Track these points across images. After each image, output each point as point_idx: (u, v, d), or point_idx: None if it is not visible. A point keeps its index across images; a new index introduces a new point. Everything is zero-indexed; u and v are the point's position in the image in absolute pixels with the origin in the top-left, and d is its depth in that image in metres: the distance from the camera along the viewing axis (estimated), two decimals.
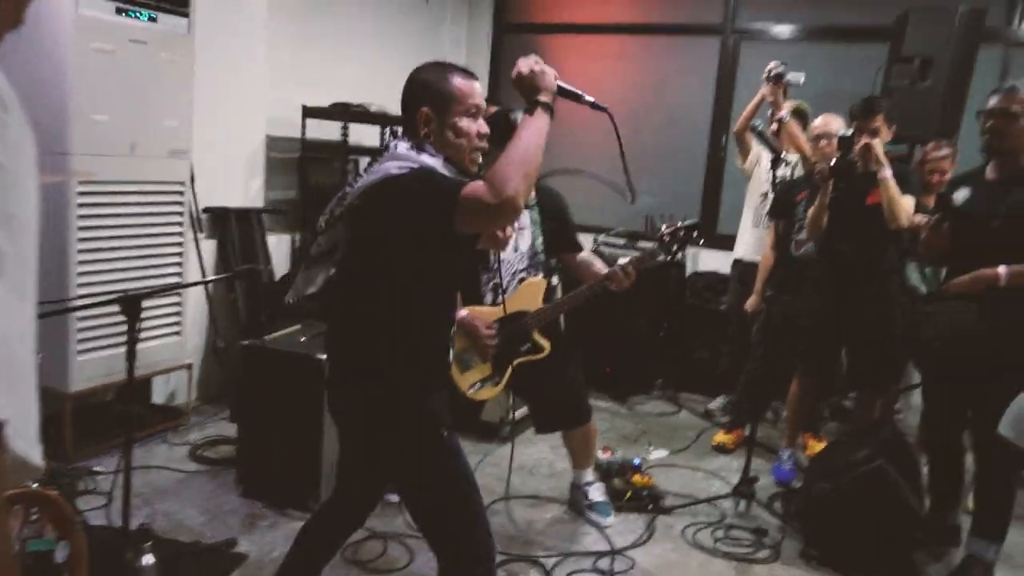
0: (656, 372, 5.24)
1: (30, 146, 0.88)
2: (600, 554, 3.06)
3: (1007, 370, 2.72)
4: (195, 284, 3.59)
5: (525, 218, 3.11)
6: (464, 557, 1.98)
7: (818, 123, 3.73)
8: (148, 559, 2.45)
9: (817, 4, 5.45)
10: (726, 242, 4.94)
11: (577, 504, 3.39)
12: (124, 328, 2.42)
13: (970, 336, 2.85)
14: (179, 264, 3.73)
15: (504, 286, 3.02)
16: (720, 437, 4.28)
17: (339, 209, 1.97)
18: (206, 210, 4.16)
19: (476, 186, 1.72)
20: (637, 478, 3.60)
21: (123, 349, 2.45)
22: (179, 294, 3.76)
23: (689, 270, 5.46)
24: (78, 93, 3.19)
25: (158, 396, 4.08)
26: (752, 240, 4.50)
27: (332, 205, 2.02)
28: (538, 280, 3.09)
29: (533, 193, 3.16)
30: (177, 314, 3.78)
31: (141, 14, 3.37)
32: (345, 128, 4.61)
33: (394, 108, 4.98)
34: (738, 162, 4.63)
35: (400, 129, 2.08)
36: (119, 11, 3.29)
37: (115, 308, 2.47)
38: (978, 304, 2.81)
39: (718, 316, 4.94)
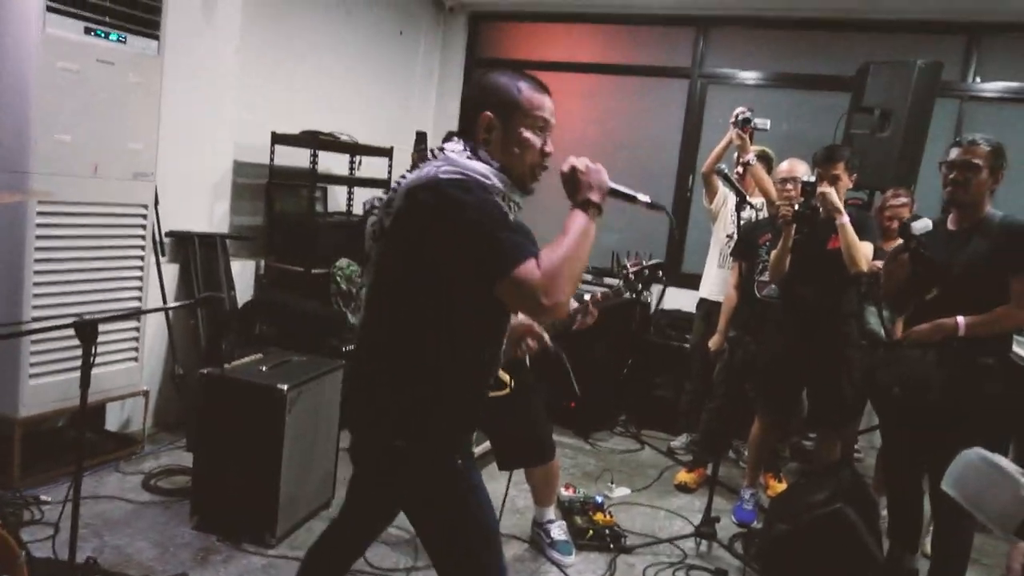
0: (619, 409, 5.24)
1: None
2: None
3: (964, 419, 2.76)
4: (154, 311, 3.51)
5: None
6: None
7: (783, 167, 3.80)
8: None
9: (782, 52, 5.60)
10: (691, 280, 5.00)
11: (538, 542, 3.36)
12: (79, 352, 2.35)
13: (928, 384, 2.88)
14: (139, 288, 3.66)
15: None
16: (682, 476, 4.28)
17: (387, 218, 1.78)
18: (169, 234, 4.08)
19: (533, 274, 1.59)
20: (599, 516, 3.57)
21: (77, 374, 2.37)
22: (137, 319, 3.67)
23: (654, 307, 5.50)
24: (41, 112, 3.13)
25: (112, 423, 3.97)
26: (717, 280, 4.56)
27: (380, 213, 1.84)
28: None
29: None
30: (135, 339, 3.70)
31: (110, 34, 3.33)
32: (314, 156, 4.59)
33: (364, 137, 5.04)
34: (705, 202, 4.69)
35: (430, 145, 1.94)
36: (87, 31, 3.24)
37: (70, 332, 2.40)
38: (936, 352, 2.85)
39: (682, 354, 4.98)
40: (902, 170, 4.31)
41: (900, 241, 2.94)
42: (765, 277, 3.93)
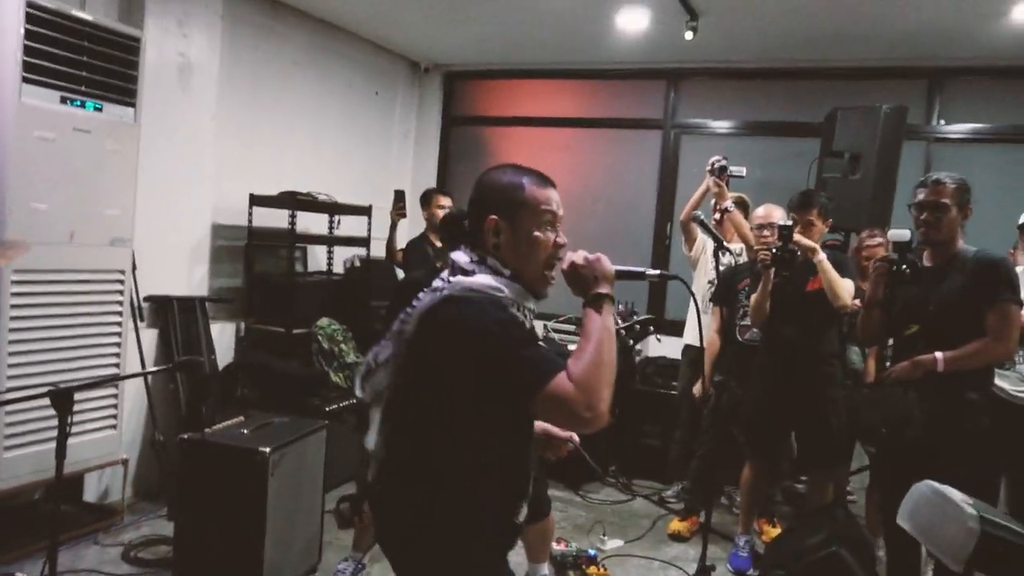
0: (609, 459, 5.18)
1: None
2: None
3: (949, 456, 2.75)
4: (131, 376, 3.46)
5: None
6: None
7: (759, 213, 3.85)
8: None
9: (752, 101, 5.73)
10: (675, 328, 5.01)
11: None
12: (54, 423, 2.31)
13: (911, 422, 2.88)
14: (117, 354, 3.61)
15: None
16: (675, 525, 4.22)
17: (402, 345, 1.70)
18: (148, 298, 4.06)
19: (566, 387, 1.51)
20: (593, 570, 3.51)
21: (53, 444, 2.32)
22: (116, 386, 3.62)
23: (639, 356, 5.50)
24: (17, 181, 3.12)
25: (90, 494, 3.88)
26: (700, 326, 4.56)
27: (392, 340, 1.75)
28: None
29: None
30: (113, 407, 3.64)
31: (86, 103, 3.36)
32: (293, 216, 4.60)
33: (342, 196, 5.07)
34: (684, 250, 4.73)
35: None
36: (64, 100, 3.26)
37: (45, 402, 2.35)
38: (916, 390, 2.85)
39: (669, 401, 4.95)
40: (875, 211, 4.38)
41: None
42: (746, 321, 3.95)
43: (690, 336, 4.67)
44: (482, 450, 1.68)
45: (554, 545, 3.64)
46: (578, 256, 1.69)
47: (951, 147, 5.28)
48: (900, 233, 2.99)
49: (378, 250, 5.11)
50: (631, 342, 2.92)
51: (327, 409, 4.22)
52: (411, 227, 5.19)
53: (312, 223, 5.15)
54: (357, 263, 5.28)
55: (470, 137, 6.52)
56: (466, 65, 6.40)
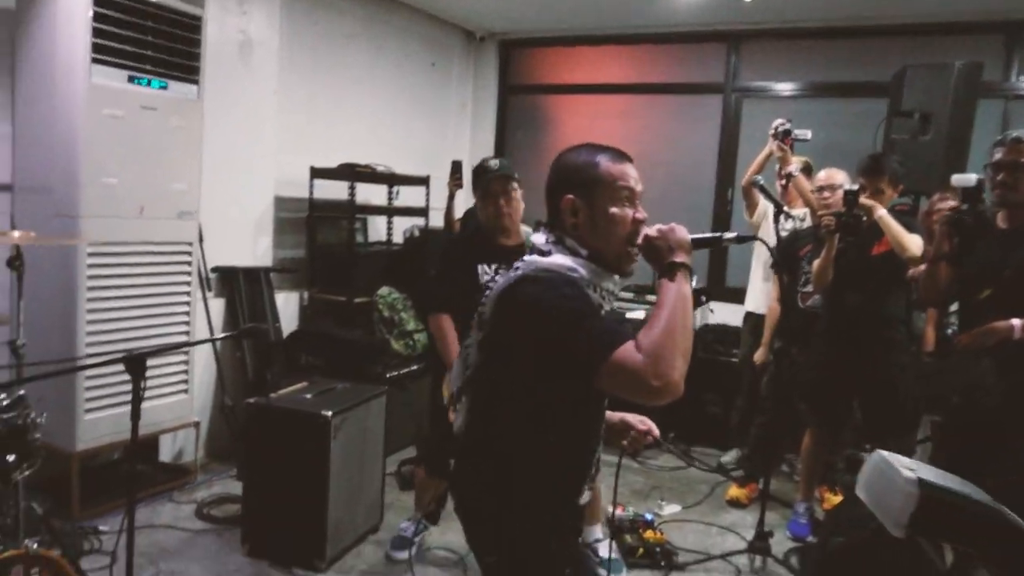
0: (668, 425, 5.17)
1: None
2: None
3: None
4: (199, 343, 3.61)
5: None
6: None
7: (821, 176, 3.76)
8: None
9: (815, 62, 5.55)
10: (736, 295, 4.94)
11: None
12: (130, 387, 2.43)
13: (987, 391, 2.77)
14: (187, 323, 3.76)
15: None
16: (734, 491, 4.20)
17: (483, 326, 1.72)
18: (215, 269, 4.21)
19: (633, 357, 1.47)
20: (650, 534, 3.53)
21: (129, 407, 2.44)
22: (186, 352, 3.78)
23: (699, 323, 5.45)
24: (89, 158, 3.27)
25: (165, 454, 4.07)
26: (762, 293, 4.50)
27: (477, 321, 1.76)
28: None
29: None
30: (184, 372, 3.80)
31: (152, 82, 3.48)
32: (352, 188, 4.69)
33: (400, 167, 5.13)
34: (746, 216, 4.65)
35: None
36: (131, 79, 3.39)
37: (121, 367, 2.47)
38: (994, 360, 2.73)
39: (730, 368, 4.91)
40: (947, 173, 4.19)
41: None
42: (808, 288, 3.87)
43: (751, 303, 4.61)
44: (549, 429, 1.68)
45: (610, 508, 3.68)
46: (652, 230, 1.66)
47: None
48: (965, 178, 2.84)
49: (436, 220, 5.16)
50: None
51: (388, 376, 4.33)
52: (468, 197, 5.21)
53: (372, 194, 5.24)
54: (416, 233, 5.35)
55: (527, 106, 6.50)
56: (521, 33, 6.36)
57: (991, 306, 2.78)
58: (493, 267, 3.08)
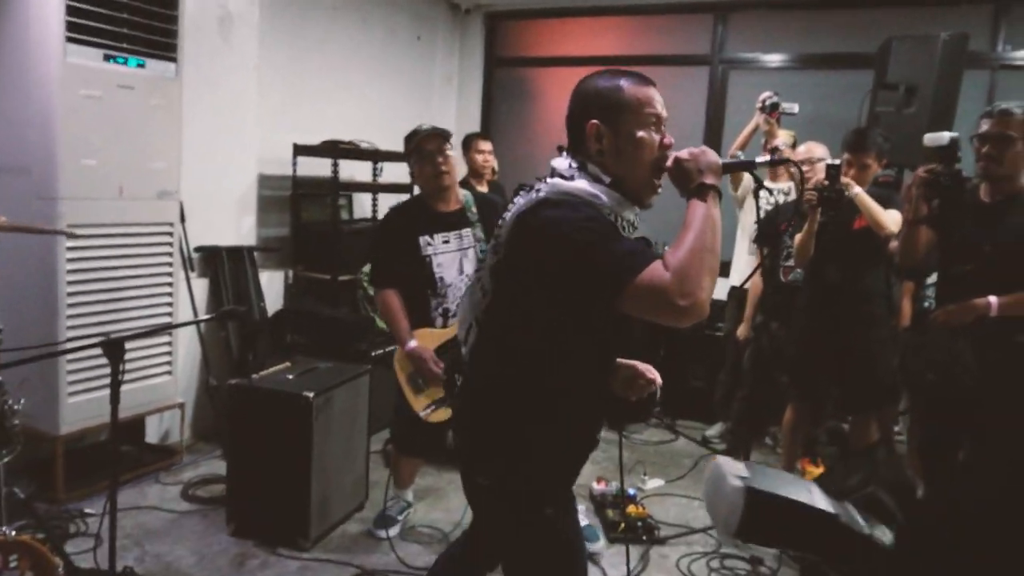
0: (654, 399, 5.20)
1: None
2: None
3: (998, 403, 2.67)
4: (177, 326, 3.60)
5: (469, 239, 3.13)
6: None
7: (800, 151, 3.75)
8: None
9: (801, 33, 5.51)
10: (721, 269, 4.94)
11: None
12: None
13: (963, 368, 2.78)
14: (170, 304, 3.75)
15: (453, 310, 3.05)
16: None
17: (499, 248, 1.69)
18: (198, 249, 4.19)
19: (660, 275, 1.44)
20: (632, 509, 3.57)
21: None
22: (170, 334, 3.77)
23: None
24: (66, 139, 3.23)
25: (152, 435, 4.08)
26: (747, 266, 4.52)
27: (492, 244, 1.74)
28: None
29: (474, 207, 3.16)
30: (168, 354, 3.80)
31: (129, 61, 3.43)
32: (335, 165, 4.66)
33: (385, 144, 5.09)
34: (731, 189, 4.65)
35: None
36: (107, 58, 3.34)
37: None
38: (970, 338, 2.73)
39: (715, 342, 4.93)
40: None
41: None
42: (790, 262, 3.88)
43: (736, 277, 4.62)
44: (563, 363, 1.67)
45: (594, 484, 3.72)
46: (682, 152, 1.63)
47: (1018, 74, 5.00)
48: (938, 137, 2.79)
49: None
50: None
51: (373, 354, 4.33)
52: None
53: (357, 171, 5.21)
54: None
55: (513, 79, 6.45)
56: (507, 5, 6.29)
57: (969, 282, 2.77)
58: (437, 237, 3.07)
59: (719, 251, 1.53)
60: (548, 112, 6.21)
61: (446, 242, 3.11)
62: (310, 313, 4.49)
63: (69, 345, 3.15)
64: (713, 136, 5.72)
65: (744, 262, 4.58)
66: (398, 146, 5.15)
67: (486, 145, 4.77)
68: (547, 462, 1.74)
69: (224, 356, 4.27)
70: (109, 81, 3.37)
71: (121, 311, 3.53)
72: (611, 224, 1.61)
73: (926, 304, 3.95)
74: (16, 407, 2.35)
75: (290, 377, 3.31)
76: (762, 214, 4.01)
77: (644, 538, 3.41)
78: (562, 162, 1.71)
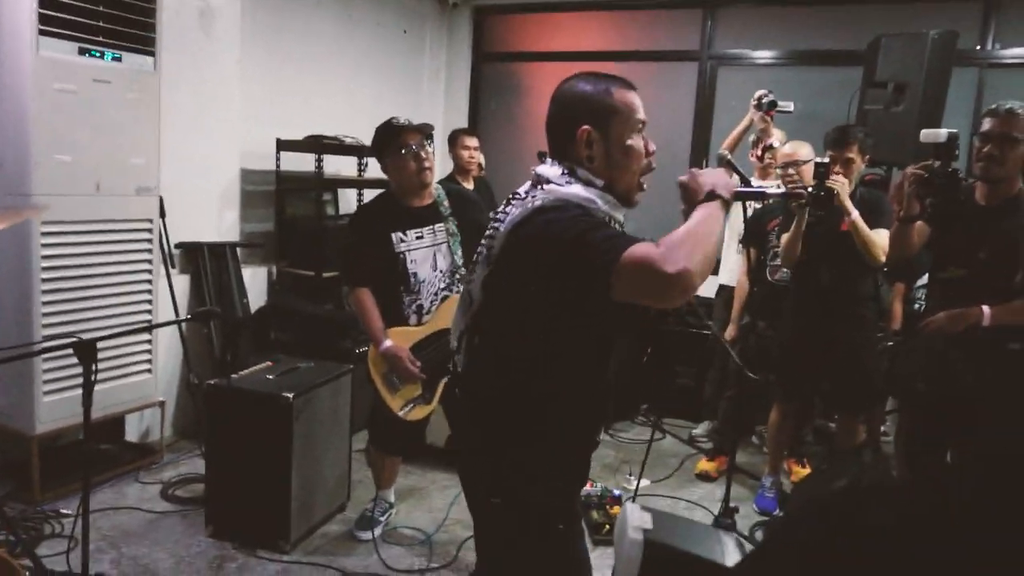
0: (640, 398, 5.19)
1: None
2: None
3: (990, 412, 2.63)
4: (152, 327, 3.53)
5: (442, 233, 3.07)
6: None
7: (785, 151, 3.71)
8: None
9: (791, 29, 5.48)
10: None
11: None
12: (91, 368, 2.39)
13: (954, 377, 2.74)
14: (149, 302, 3.70)
15: (427, 307, 3.00)
16: (703, 465, 4.23)
17: (488, 262, 1.69)
18: (179, 245, 4.13)
19: (647, 248, 1.44)
20: (617, 510, 3.54)
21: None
22: (149, 332, 3.71)
23: None
24: (40, 134, 3.17)
25: (131, 434, 4.03)
26: (736, 265, 4.48)
27: (483, 244, 1.74)
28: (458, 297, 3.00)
29: (446, 201, 3.10)
30: (148, 351, 3.74)
31: (105, 54, 3.36)
32: (319, 160, 4.60)
33: (371, 139, 5.02)
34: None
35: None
36: (82, 51, 3.28)
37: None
38: (961, 346, 2.68)
39: (702, 341, 4.91)
40: (920, 145, 4.18)
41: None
42: (777, 262, 3.85)
43: (724, 276, 4.59)
44: (564, 366, 1.67)
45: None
46: (697, 171, 1.66)
47: (1007, 73, 4.98)
48: (935, 133, 2.70)
49: None
50: None
51: (357, 351, 4.29)
52: (441, 168, 5.15)
53: (342, 166, 5.15)
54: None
55: (501, 74, 6.39)
56: None
57: (962, 287, 2.72)
58: (411, 233, 3.02)
59: (716, 241, 1.51)
60: (536, 107, 6.16)
61: (419, 238, 3.05)
62: (294, 310, 4.44)
63: (42, 345, 3.09)
64: (701, 133, 5.68)
65: (733, 260, 4.54)
66: None
67: (472, 141, 4.72)
68: (558, 472, 1.73)
69: (206, 353, 4.22)
70: (84, 75, 3.30)
71: (99, 308, 3.47)
72: (601, 220, 1.61)
73: (916, 306, 3.94)
74: None
75: (270, 377, 3.26)
76: (749, 212, 3.98)
77: None
78: (552, 169, 1.69)
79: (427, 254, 3.05)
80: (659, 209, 5.32)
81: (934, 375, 2.83)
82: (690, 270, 1.40)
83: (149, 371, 3.75)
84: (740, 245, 4.38)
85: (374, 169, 5.19)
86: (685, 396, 5.01)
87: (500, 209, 1.74)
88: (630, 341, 5.02)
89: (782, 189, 1.82)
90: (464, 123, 6.09)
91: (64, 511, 3.29)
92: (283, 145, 4.64)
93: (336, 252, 4.63)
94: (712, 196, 1.58)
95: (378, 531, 3.31)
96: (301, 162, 4.74)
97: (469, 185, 4.63)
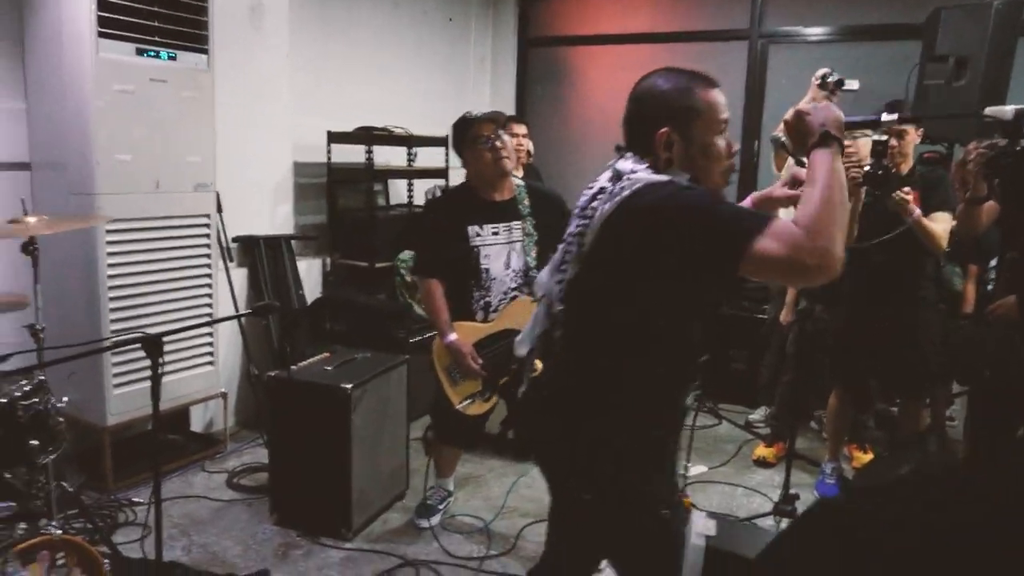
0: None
1: None
2: None
3: None
4: (213, 322, 3.61)
5: (518, 232, 3.03)
6: None
7: None
8: None
9: (844, 4, 5.33)
10: None
11: None
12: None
13: (1020, 366, 2.66)
14: (209, 295, 3.78)
15: (495, 305, 2.99)
16: (761, 451, 4.18)
17: (580, 246, 1.62)
18: (235, 239, 4.21)
19: (789, 230, 1.36)
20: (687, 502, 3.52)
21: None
22: (210, 326, 3.80)
23: None
24: (101, 135, 3.25)
25: (196, 424, 4.14)
26: None
27: (568, 243, 1.67)
28: (528, 300, 2.97)
29: (527, 200, 3.07)
30: (210, 345, 3.83)
31: (160, 54, 3.43)
32: (369, 151, 4.64)
33: (419, 129, 5.06)
34: (774, 169, 4.52)
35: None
36: (139, 52, 3.35)
37: None
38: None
39: (758, 325, 4.84)
40: (983, 120, 4.04)
41: None
42: None
43: None
44: (660, 352, 1.62)
45: None
46: (804, 104, 1.58)
47: None
48: (1000, 111, 2.62)
49: (457, 179, 5.10)
50: None
51: (411, 340, 4.33)
52: None
53: (391, 156, 5.19)
54: (437, 194, 5.30)
55: (547, 59, 6.35)
56: None
57: None
58: (487, 228, 3.01)
59: (848, 205, 1.45)
60: (584, 92, 6.12)
61: (495, 233, 3.03)
62: (348, 301, 4.50)
63: (110, 341, 3.19)
64: (753, 113, 5.58)
65: None
66: (432, 131, 5.16)
67: (521, 128, 4.70)
68: (653, 458, 1.69)
69: (265, 345, 4.30)
70: (142, 75, 3.37)
71: (162, 303, 3.57)
72: (712, 192, 1.56)
73: (989, 287, 3.82)
74: (59, 405, 2.38)
75: (328, 368, 3.31)
76: None
77: None
78: (636, 165, 1.61)
79: (502, 251, 3.02)
80: None
81: (1000, 362, 2.75)
82: (835, 257, 1.34)
83: (212, 364, 3.84)
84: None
85: (423, 158, 5.24)
86: (740, 381, 4.96)
87: (583, 204, 1.65)
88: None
89: (894, 115, 1.73)
90: (511, 110, 6.08)
91: (136, 500, 3.40)
92: (334, 137, 4.69)
93: (392, 242, 4.70)
94: (827, 139, 1.48)
95: (437, 519, 3.34)
96: (351, 154, 4.79)
97: (519, 173, 4.62)
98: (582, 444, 1.66)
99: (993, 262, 3.73)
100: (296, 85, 4.53)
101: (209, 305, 3.78)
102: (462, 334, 2.99)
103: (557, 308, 1.68)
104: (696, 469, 4.02)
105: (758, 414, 4.70)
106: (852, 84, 3.91)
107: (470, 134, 3.00)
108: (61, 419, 2.40)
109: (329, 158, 4.72)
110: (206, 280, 3.77)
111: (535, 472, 3.82)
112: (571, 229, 1.66)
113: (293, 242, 4.54)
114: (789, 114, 1.57)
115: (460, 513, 3.47)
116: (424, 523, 3.31)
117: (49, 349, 2.53)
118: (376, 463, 3.34)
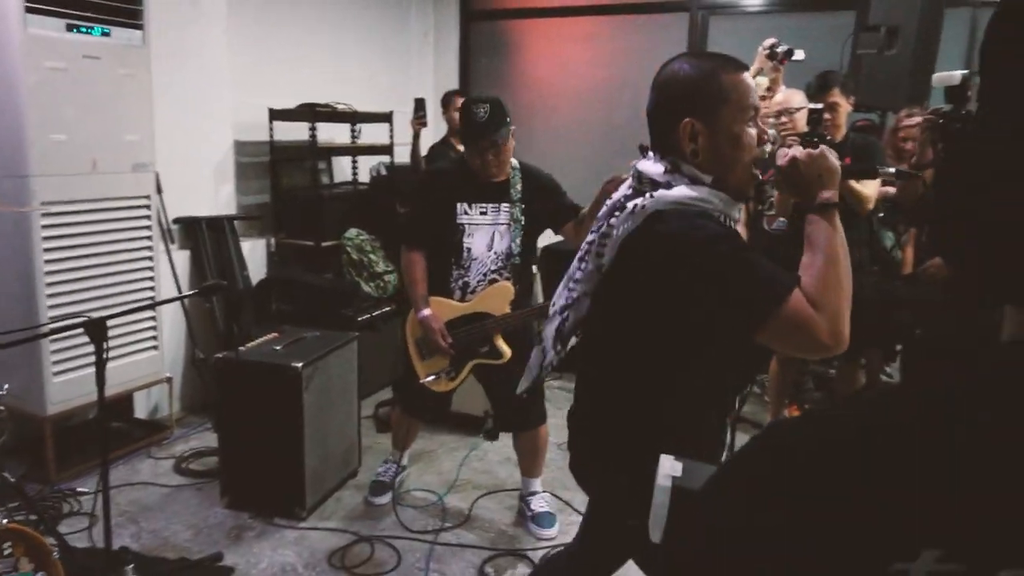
0: None
1: None
2: None
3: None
4: (157, 304, 3.51)
5: (506, 215, 2.97)
6: None
7: (778, 99, 3.70)
8: None
9: None
10: None
11: (523, 514, 3.26)
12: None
13: (947, 325, 2.78)
14: (151, 278, 3.70)
15: (473, 286, 2.99)
16: None
17: (599, 256, 1.57)
18: (176, 221, 4.13)
19: (807, 311, 1.34)
20: None
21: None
22: (153, 309, 3.73)
23: None
24: (34, 113, 3.14)
25: (141, 411, 4.07)
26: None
27: (587, 254, 1.61)
28: (507, 285, 2.96)
29: (519, 184, 3.00)
30: (153, 329, 3.76)
31: (93, 29, 3.32)
32: (313, 128, 4.57)
33: (363, 104, 5.00)
34: None
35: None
36: (70, 27, 3.23)
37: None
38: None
39: None
40: (914, 88, 4.17)
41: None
42: (773, 211, 3.87)
43: None
44: (687, 388, 1.56)
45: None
46: (799, 151, 1.50)
47: None
48: (948, 76, 2.66)
49: (402, 157, 5.08)
50: None
51: (359, 319, 4.32)
52: (435, 132, 5.14)
53: (335, 134, 5.13)
54: (382, 171, 5.26)
55: (490, 32, 6.32)
56: None
57: None
58: (475, 207, 2.99)
59: (851, 278, 1.43)
60: (527, 65, 6.11)
61: (483, 213, 2.97)
62: (294, 280, 4.45)
63: (52, 326, 3.10)
64: None
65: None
66: (377, 106, 5.11)
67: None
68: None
69: (210, 328, 4.24)
70: (74, 51, 3.26)
71: (102, 288, 3.48)
72: (737, 237, 1.49)
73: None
74: (1, 392, 2.32)
75: (277, 348, 3.28)
76: None
77: None
78: (653, 167, 1.54)
79: (486, 232, 2.97)
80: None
81: (930, 322, 2.87)
82: (847, 336, 1.36)
83: (155, 348, 3.77)
84: None
85: (368, 135, 5.19)
86: None
87: (601, 216, 1.59)
88: None
89: (891, 168, 1.72)
90: (455, 84, 6.04)
91: (80, 489, 3.34)
92: (276, 115, 4.61)
93: (337, 220, 4.66)
94: (827, 206, 1.46)
95: (390, 496, 3.36)
96: (294, 132, 4.71)
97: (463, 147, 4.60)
98: (629, 467, 1.57)
99: None
100: (236, 62, 4.44)
101: (151, 288, 3.70)
102: (436, 310, 2.96)
103: (581, 316, 1.63)
104: None
105: None
106: (799, 54, 3.99)
107: (469, 138, 2.91)
108: (3, 408, 2.34)
109: (271, 136, 4.64)
110: (147, 263, 3.69)
111: (486, 446, 3.87)
112: (588, 238, 1.62)
113: (236, 222, 4.46)
114: (784, 160, 1.52)
115: (414, 488, 3.50)
116: (378, 500, 3.33)
117: None
118: (328, 441, 3.34)
